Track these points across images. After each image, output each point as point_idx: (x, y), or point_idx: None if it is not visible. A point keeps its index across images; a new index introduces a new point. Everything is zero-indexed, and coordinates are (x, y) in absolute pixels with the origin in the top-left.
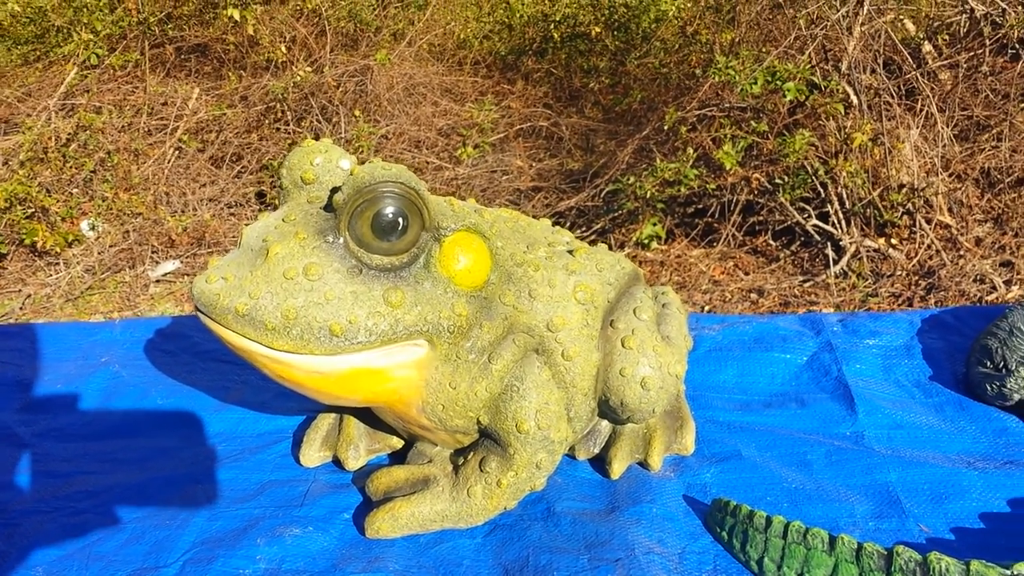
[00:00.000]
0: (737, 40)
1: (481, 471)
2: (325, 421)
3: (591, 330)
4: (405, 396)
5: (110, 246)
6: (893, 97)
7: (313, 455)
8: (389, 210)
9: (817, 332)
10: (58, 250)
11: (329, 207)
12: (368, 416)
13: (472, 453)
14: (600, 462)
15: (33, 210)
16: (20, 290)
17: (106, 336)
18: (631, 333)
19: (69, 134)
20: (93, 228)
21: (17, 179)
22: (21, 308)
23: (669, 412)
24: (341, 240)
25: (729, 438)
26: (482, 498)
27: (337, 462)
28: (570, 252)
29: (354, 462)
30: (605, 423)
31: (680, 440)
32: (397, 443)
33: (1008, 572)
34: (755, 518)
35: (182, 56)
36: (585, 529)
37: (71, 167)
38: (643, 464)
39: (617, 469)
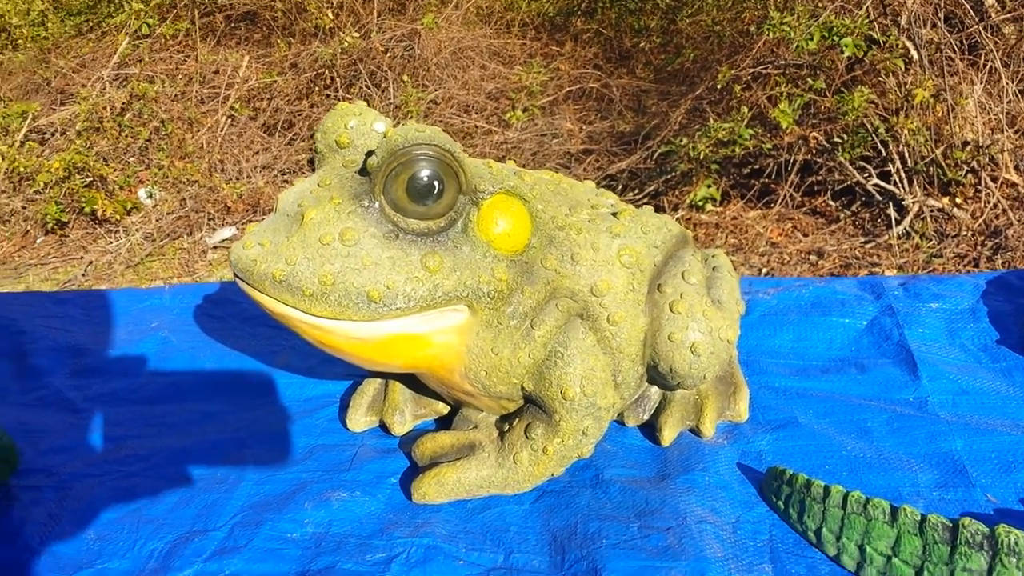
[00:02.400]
0: None
1: (527, 437)
2: (371, 386)
3: (637, 294)
4: (447, 362)
5: (168, 213)
6: (955, 52)
7: (360, 420)
8: (424, 173)
9: (877, 296)
10: (117, 218)
11: (364, 171)
12: (414, 382)
13: (518, 419)
14: (650, 429)
15: (91, 179)
16: (82, 257)
17: (156, 302)
18: (679, 297)
19: (124, 104)
20: (150, 196)
21: (75, 148)
22: (84, 275)
23: (722, 378)
24: (376, 204)
25: (785, 404)
26: (528, 464)
27: (383, 427)
28: (614, 215)
29: (400, 427)
30: (655, 389)
31: (733, 407)
32: (443, 408)
33: None
34: (813, 487)
35: (232, 24)
36: (635, 497)
37: (127, 136)
38: (695, 431)
39: (668, 436)
